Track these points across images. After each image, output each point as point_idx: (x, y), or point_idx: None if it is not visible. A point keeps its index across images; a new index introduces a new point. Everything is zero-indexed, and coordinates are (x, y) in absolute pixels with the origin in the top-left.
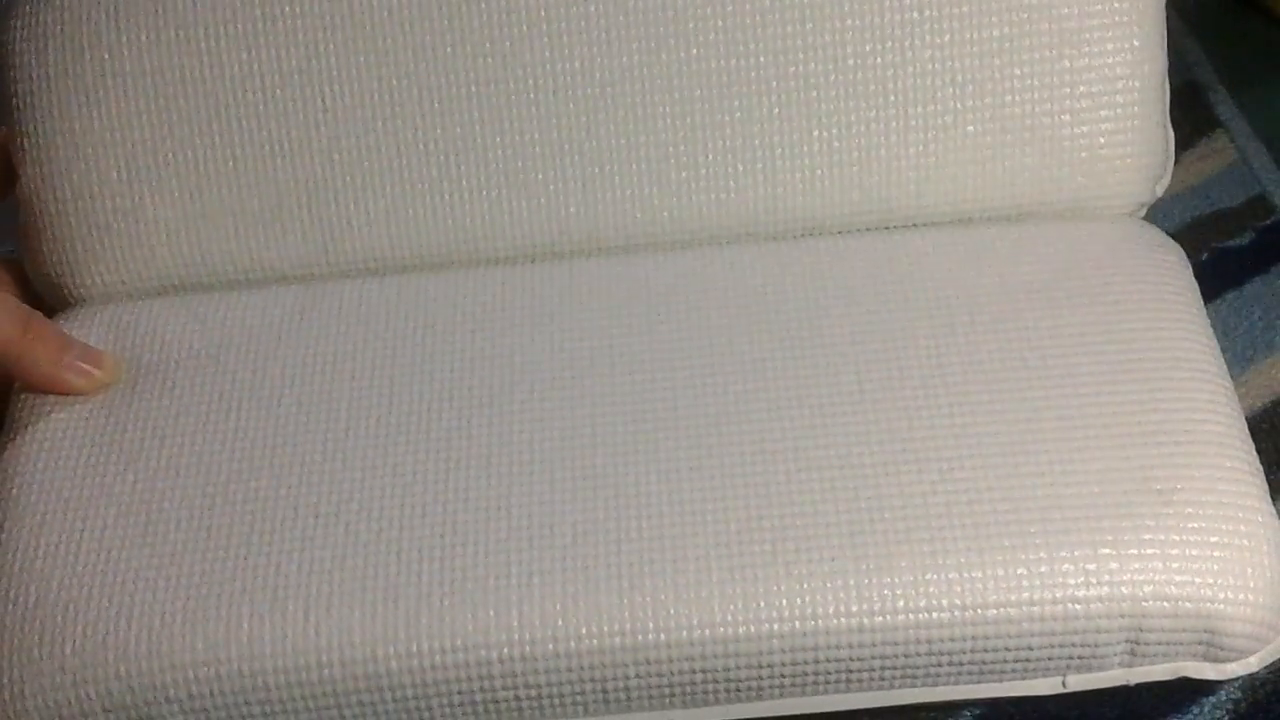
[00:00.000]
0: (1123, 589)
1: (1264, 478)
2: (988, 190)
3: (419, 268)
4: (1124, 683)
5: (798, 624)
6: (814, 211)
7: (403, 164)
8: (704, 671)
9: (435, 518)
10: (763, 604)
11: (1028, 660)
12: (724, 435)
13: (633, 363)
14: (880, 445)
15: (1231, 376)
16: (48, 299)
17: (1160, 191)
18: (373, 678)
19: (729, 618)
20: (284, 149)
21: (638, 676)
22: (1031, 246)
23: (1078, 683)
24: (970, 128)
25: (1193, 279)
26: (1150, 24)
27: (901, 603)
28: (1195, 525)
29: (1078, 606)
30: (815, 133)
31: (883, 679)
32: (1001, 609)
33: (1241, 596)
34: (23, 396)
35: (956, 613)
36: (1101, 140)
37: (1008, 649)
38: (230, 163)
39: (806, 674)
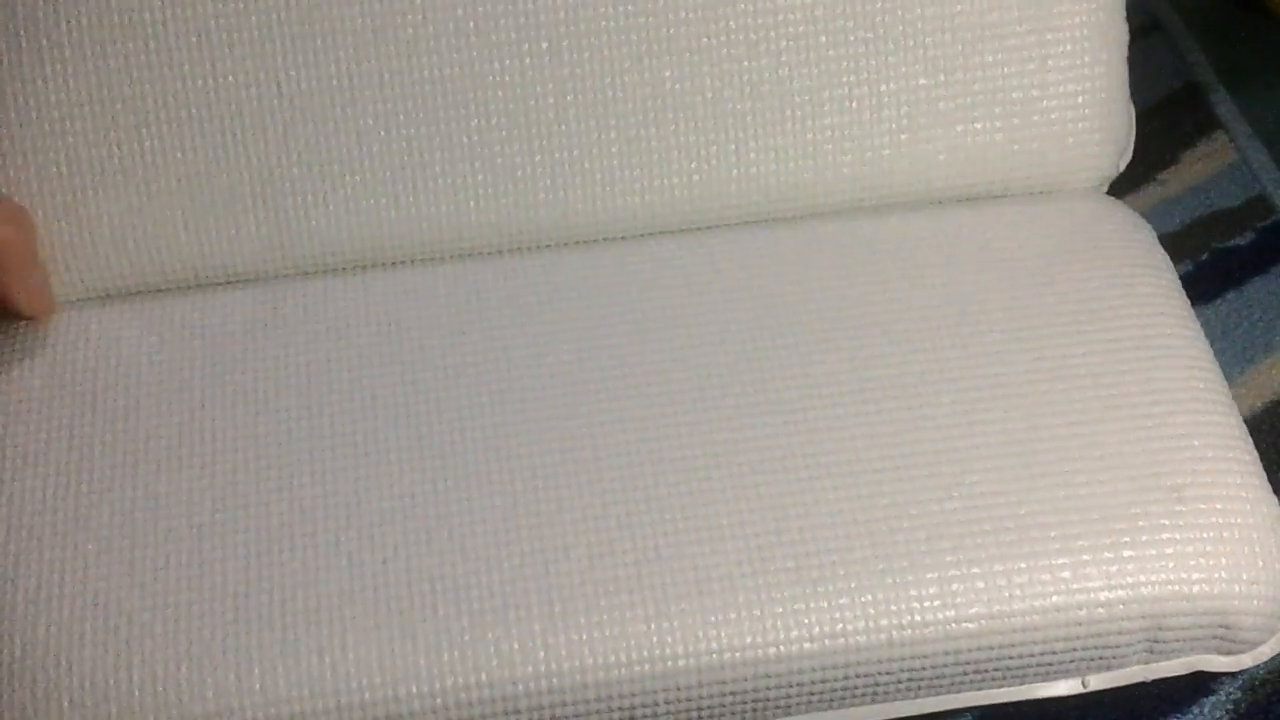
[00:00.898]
0: (1143, 589)
1: (1260, 462)
2: (959, 167)
3: (384, 264)
4: (1142, 679)
5: (827, 641)
6: (787, 192)
7: (363, 152)
8: (734, 694)
9: (442, 542)
10: (791, 623)
11: (1051, 663)
12: (730, 440)
13: (624, 364)
14: (889, 445)
15: (1231, 376)
16: None
17: (1123, 166)
18: (395, 718)
19: (758, 639)
20: (236, 138)
21: (667, 703)
22: (1009, 227)
23: (1098, 682)
24: (941, 104)
25: (1163, 252)
26: None
27: (929, 614)
28: (1208, 520)
29: (1101, 610)
30: (787, 112)
31: (909, 689)
32: (1027, 615)
33: (1254, 589)
34: None
35: (983, 622)
36: (1070, 114)
37: (1032, 654)
38: (179, 153)
39: (835, 689)
